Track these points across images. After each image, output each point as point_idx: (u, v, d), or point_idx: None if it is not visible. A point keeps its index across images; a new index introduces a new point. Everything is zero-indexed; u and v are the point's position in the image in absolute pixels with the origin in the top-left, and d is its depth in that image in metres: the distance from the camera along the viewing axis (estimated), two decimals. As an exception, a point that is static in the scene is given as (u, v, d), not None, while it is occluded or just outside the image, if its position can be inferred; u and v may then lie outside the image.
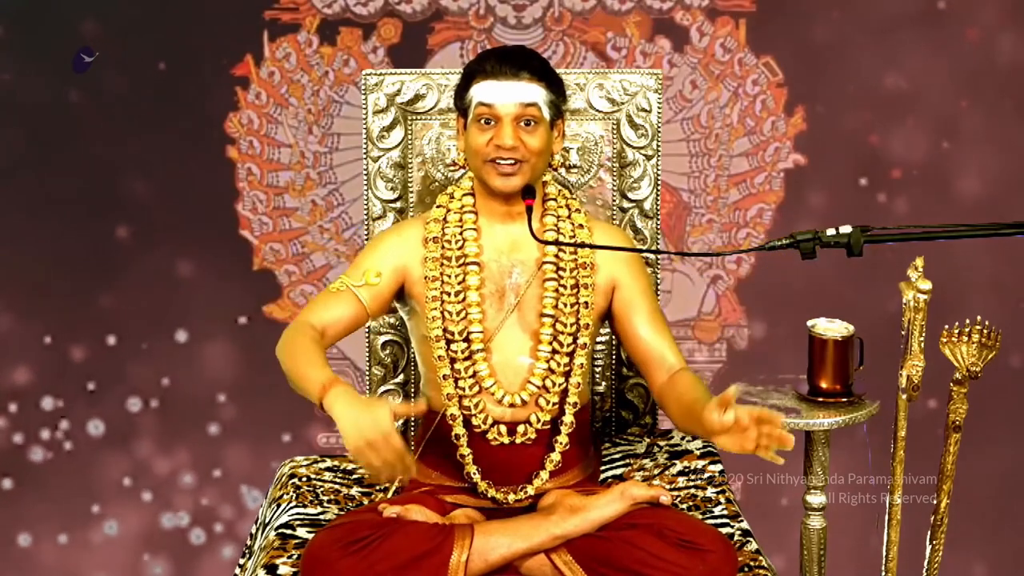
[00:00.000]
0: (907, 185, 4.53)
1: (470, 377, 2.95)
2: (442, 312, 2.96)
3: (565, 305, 2.96)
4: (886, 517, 2.91)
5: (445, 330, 2.95)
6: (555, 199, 3.04)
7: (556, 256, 2.99)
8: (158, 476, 4.60)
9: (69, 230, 4.51)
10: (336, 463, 3.25)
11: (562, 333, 2.96)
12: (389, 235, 3.06)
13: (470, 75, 2.96)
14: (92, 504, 4.59)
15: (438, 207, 3.04)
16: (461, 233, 2.99)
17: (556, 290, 2.97)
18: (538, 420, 2.96)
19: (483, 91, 2.92)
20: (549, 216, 3.02)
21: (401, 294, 3.02)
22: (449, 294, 2.96)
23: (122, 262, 4.52)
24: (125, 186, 4.50)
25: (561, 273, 2.98)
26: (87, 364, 4.56)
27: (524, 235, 2.97)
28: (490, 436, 2.96)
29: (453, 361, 2.95)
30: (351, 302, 2.94)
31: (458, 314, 2.95)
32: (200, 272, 4.53)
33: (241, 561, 3.12)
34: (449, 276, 2.97)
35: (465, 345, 2.95)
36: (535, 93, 2.92)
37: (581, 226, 3.03)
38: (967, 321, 2.82)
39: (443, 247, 2.98)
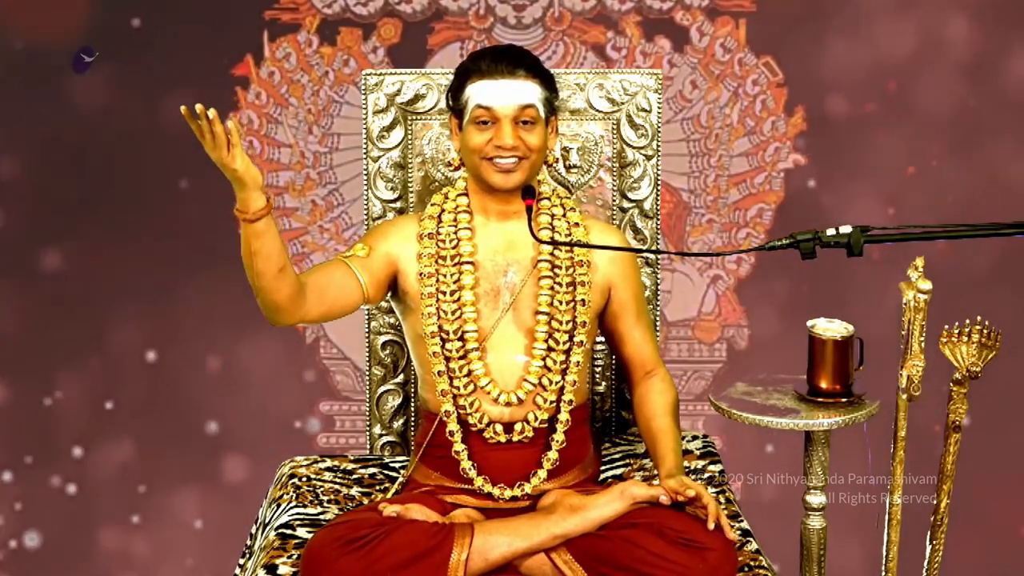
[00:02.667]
0: (908, 184, 4.53)
1: (465, 376, 2.96)
2: (437, 309, 2.96)
3: (561, 303, 2.97)
4: (886, 517, 2.91)
5: (440, 328, 2.95)
6: (549, 198, 3.05)
7: (551, 254, 2.99)
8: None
9: (73, 236, 4.52)
10: (336, 463, 3.25)
11: (558, 331, 2.96)
12: (384, 224, 3.09)
13: (464, 75, 2.96)
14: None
15: (432, 205, 3.04)
16: (456, 232, 3.00)
17: (552, 288, 2.97)
18: (535, 418, 2.97)
19: (480, 92, 2.92)
20: (544, 215, 3.03)
21: (396, 290, 3.02)
22: (444, 293, 2.96)
23: (119, 263, 4.52)
24: (123, 188, 4.50)
25: (557, 271, 2.98)
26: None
27: (519, 234, 2.98)
28: (487, 435, 2.96)
29: (448, 359, 2.96)
30: (340, 266, 2.95)
31: (453, 313, 2.95)
32: (199, 273, 4.52)
33: (241, 561, 3.12)
34: (444, 275, 2.97)
35: (460, 344, 2.95)
36: (532, 92, 2.92)
37: (577, 224, 3.03)
38: (967, 321, 2.81)
39: (438, 245, 2.99)
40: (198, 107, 2.61)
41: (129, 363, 4.56)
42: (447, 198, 3.04)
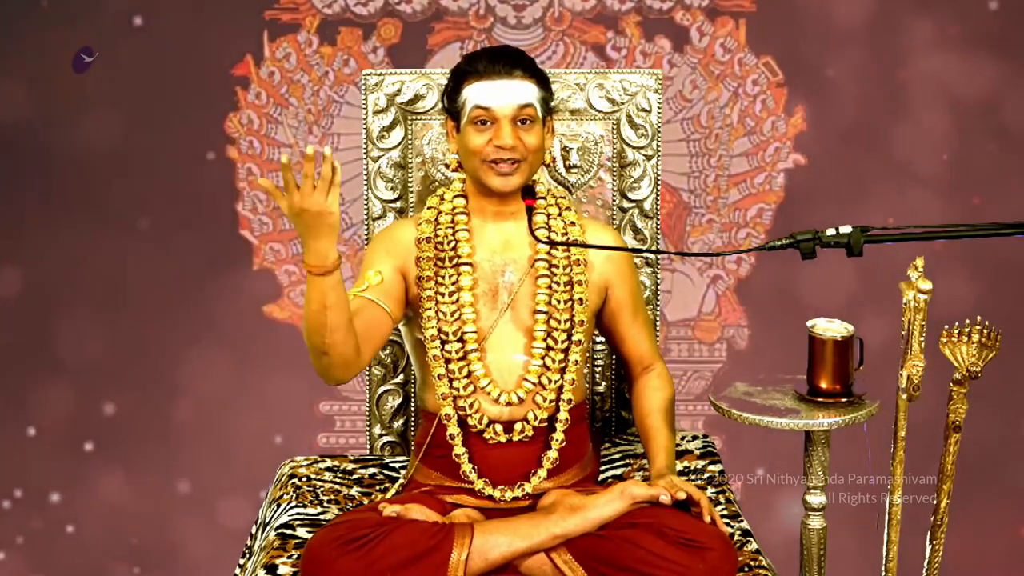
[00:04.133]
0: (910, 184, 4.53)
1: (464, 377, 2.96)
2: (436, 312, 2.96)
3: (559, 302, 2.97)
4: (886, 517, 2.91)
5: (440, 330, 2.95)
6: (544, 198, 3.05)
7: (548, 253, 3.00)
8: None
9: (64, 231, 4.52)
10: (336, 463, 3.25)
11: (556, 329, 2.97)
12: (382, 239, 3.05)
13: (460, 77, 2.96)
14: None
15: (428, 208, 3.04)
16: (454, 234, 3.00)
17: (549, 287, 2.98)
18: (535, 417, 2.97)
19: (478, 93, 2.92)
20: (540, 215, 3.03)
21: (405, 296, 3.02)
22: (443, 294, 2.96)
23: (119, 261, 4.53)
24: (124, 186, 4.50)
25: (554, 270, 2.99)
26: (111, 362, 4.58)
27: (516, 234, 2.98)
28: (487, 435, 2.96)
29: (448, 361, 2.96)
30: (366, 304, 2.90)
31: (452, 315, 2.95)
32: (199, 272, 4.53)
33: (241, 561, 3.12)
34: (443, 277, 2.97)
35: (459, 345, 2.95)
36: (529, 92, 2.93)
37: (573, 224, 3.04)
38: (967, 321, 2.81)
39: (436, 248, 2.98)
40: (309, 149, 2.52)
41: (114, 376, 4.57)
42: (443, 200, 3.04)
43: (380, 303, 2.92)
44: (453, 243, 2.99)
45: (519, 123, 2.92)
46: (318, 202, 2.60)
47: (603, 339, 3.22)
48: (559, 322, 2.97)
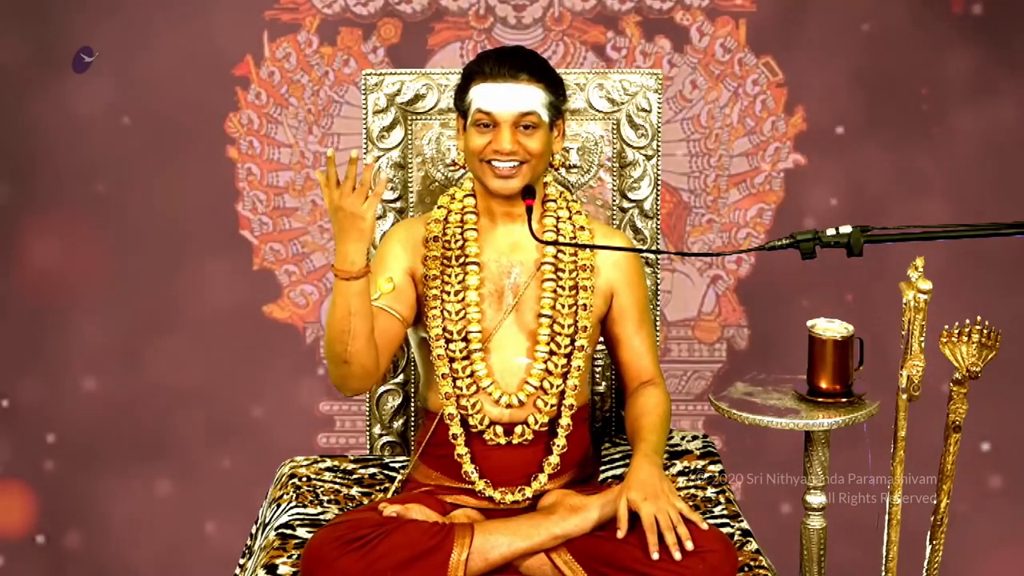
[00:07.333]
0: (907, 184, 4.53)
1: (468, 377, 2.96)
2: (442, 311, 2.96)
3: (563, 306, 2.97)
4: (886, 517, 2.91)
5: (444, 329, 2.95)
6: (555, 200, 3.04)
7: (555, 257, 2.99)
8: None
9: (58, 230, 4.52)
10: (336, 463, 3.25)
11: (560, 334, 2.96)
12: (391, 242, 3.04)
13: (469, 76, 2.95)
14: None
15: (439, 208, 3.04)
16: (462, 233, 2.99)
17: (554, 291, 2.97)
18: (535, 422, 2.97)
19: (481, 95, 2.92)
20: (549, 217, 3.02)
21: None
22: (449, 293, 2.96)
23: (119, 261, 4.53)
24: (123, 186, 4.50)
25: (560, 274, 2.98)
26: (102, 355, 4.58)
27: (524, 236, 2.98)
28: (487, 437, 2.96)
29: (452, 360, 2.96)
30: (378, 314, 2.91)
31: (457, 314, 2.95)
32: (200, 272, 4.53)
33: (241, 561, 3.12)
34: (449, 276, 2.97)
35: (463, 345, 2.95)
36: (534, 98, 2.91)
37: (582, 228, 3.03)
38: (967, 321, 2.81)
39: (444, 247, 2.98)
40: (354, 153, 2.58)
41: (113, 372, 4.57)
42: (453, 199, 3.04)
43: (392, 311, 2.93)
44: (461, 242, 2.99)
45: (522, 128, 2.92)
46: (354, 204, 2.65)
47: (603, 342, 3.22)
48: (563, 326, 2.96)
